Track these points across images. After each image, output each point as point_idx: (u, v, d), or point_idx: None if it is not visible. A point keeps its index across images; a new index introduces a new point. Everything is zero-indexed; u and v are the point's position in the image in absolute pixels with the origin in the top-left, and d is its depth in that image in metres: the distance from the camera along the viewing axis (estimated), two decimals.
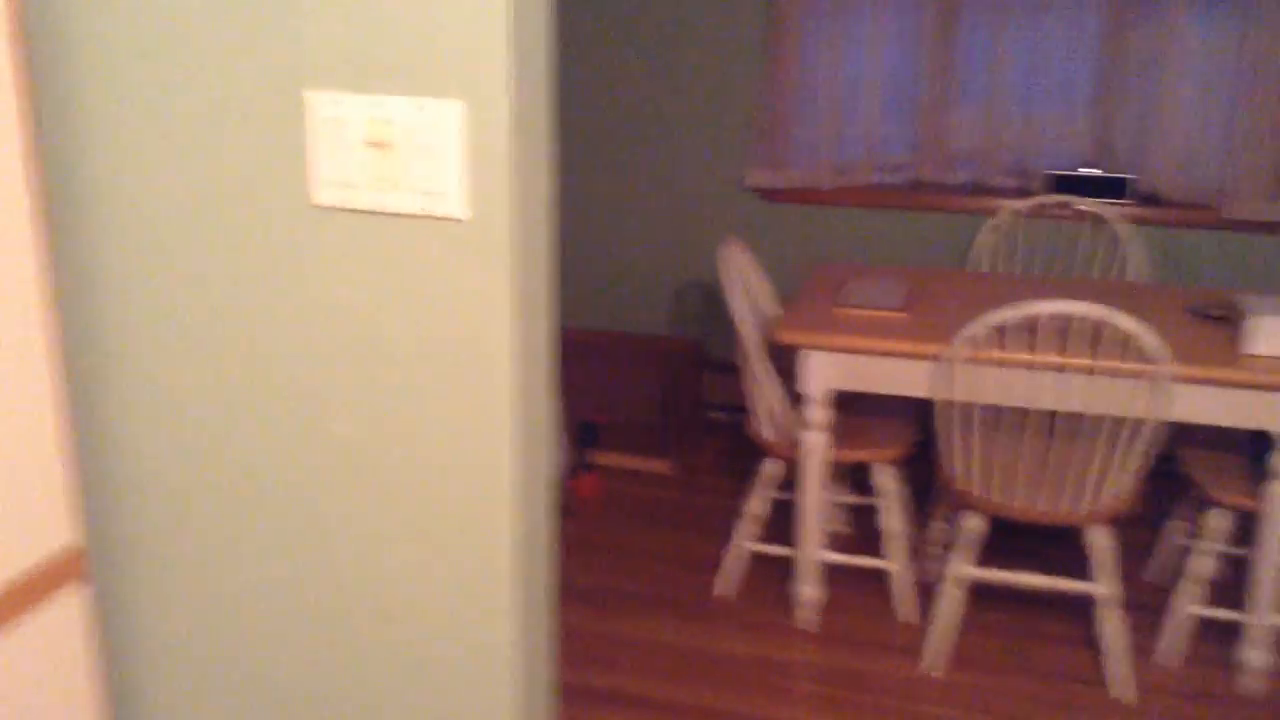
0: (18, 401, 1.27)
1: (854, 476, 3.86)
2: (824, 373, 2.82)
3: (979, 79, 3.95)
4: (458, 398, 1.28)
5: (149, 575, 1.46)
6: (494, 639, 1.36)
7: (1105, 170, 3.87)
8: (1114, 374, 2.60)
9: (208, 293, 1.33)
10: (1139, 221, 3.86)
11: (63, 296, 1.37)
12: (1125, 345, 2.62)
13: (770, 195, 4.20)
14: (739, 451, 4.22)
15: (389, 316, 1.28)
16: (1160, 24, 3.72)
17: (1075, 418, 2.98)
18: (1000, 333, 2.72)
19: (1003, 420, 3.00)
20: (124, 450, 1.41)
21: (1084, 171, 3.86)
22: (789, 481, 3.69)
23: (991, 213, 3.98)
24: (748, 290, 3.15)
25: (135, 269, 1.34)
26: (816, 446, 2.88)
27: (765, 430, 3.04)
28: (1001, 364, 2.66)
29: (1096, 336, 2.71)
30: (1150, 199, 3.86)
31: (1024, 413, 2.97)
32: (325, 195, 1.25)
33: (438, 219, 1.23)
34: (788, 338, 2.80)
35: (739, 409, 4.43)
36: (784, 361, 3.34)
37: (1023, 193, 3.97)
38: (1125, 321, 2.47)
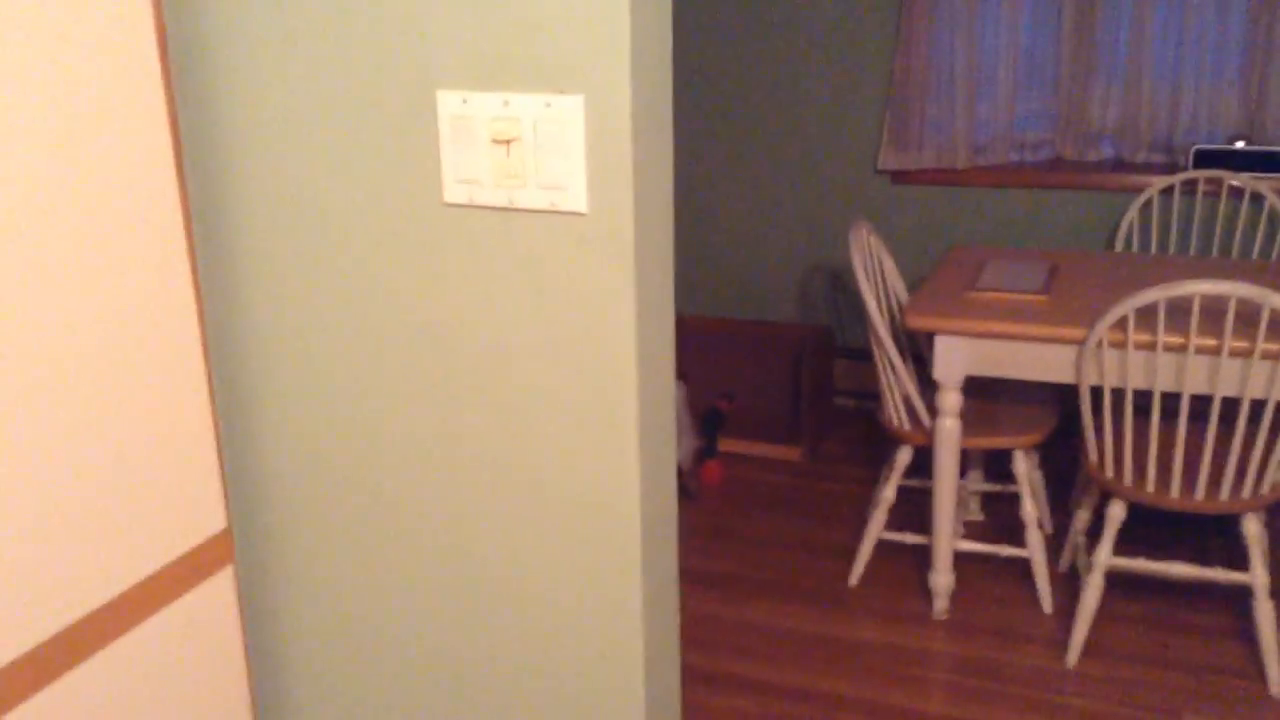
0: (177, 395, 1.34)
1: (992, 462, 3.78)
2: (958, 358, 2.76)
3: (1120, 52, 3.80)
4: (584, 389, 1.30)
5: (289, 560, 1.53)
6: (623, 624, 1.38)
7: (1257, 144, 3.69)
8: (1270, 357, 2.48)
9: (346, 290, 1.38)
10: None
11: (209, 294, 1.44)
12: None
13: (903, 177, 4.12)
14: (869, 438, 4.17)
15: (516, 310, 1.30)
16: None
17: (1229, 402, 2.86)
18: (1149, 315, 2.62)
19: (1152, 406, 2.90)
20: (266, 439, 1.48)
21: (1235, 146, 3.68)
22: (921, 468, 3.63)
23: (1137, 190, 3.83)
24: (879, 274, 3.10)
25: (275, 268, 1.40)
26: (950, 433, 2.82)
27: (896, 417, 3.00)
28: (1149, 348, 2.56)
29: (1251, 317, 2.59)
30: None
31: (1175, 398, 2.86)
32: (455, 193, 1.27)
33: (562, 214, 1.24)
34: (919, 323, 2.75)
35: (869, 395, 4.37)
36: (918, 347, 3.28)
37: (1170, 169, 3.81)
38: None
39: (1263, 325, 2.40)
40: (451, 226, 1.30)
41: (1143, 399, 3.07)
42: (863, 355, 4.34)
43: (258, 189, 1.37)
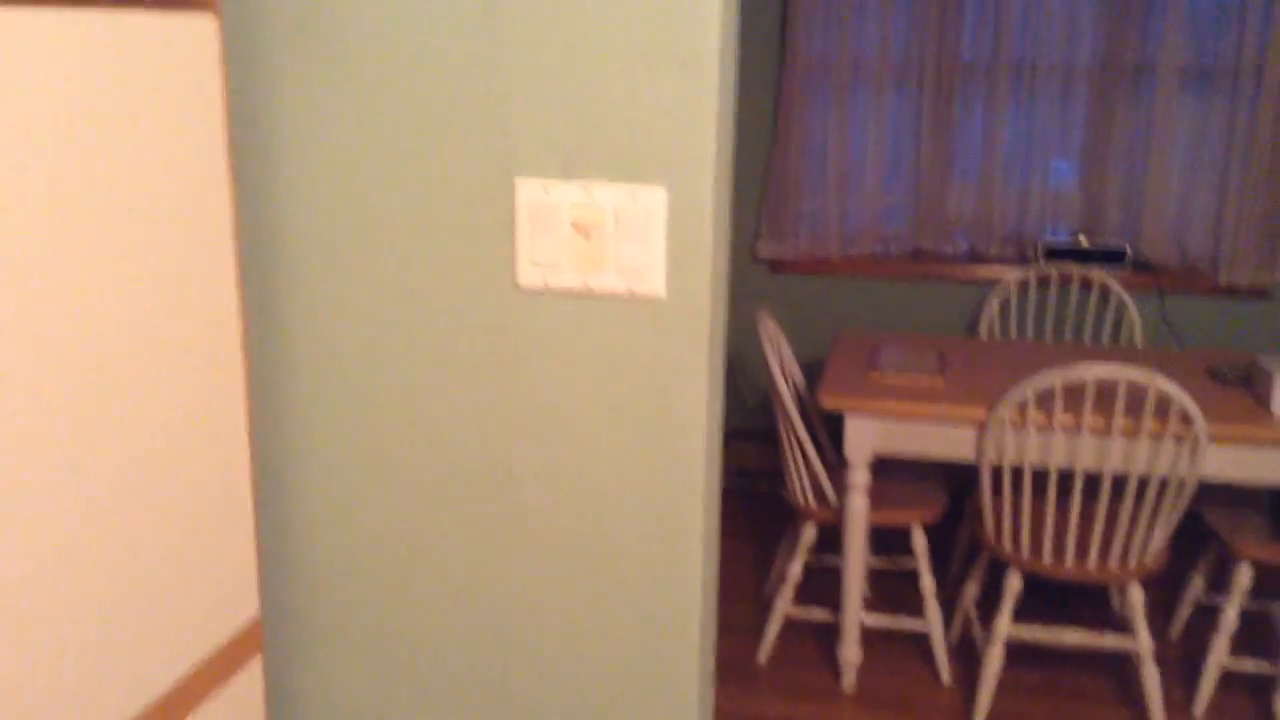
0: (220, 478, 1.29)
1: (876, 539, 3.92)
2: (868, 437, 2.89)
3: (974, 153, 4.11)
4: (652, 468, 1.32)
5: (321, 644, 1.47)
6: (680, 707, 1.39)
7: (1098, 240, 4.04)
8: (1155, 436, 2.71)
9: (412, 369, 1.36)
10: (1134, 288, 4.02)
11: (263, 374, 1.40)
12: (1164, 408, 2.73)
13: (779, 265, 4.30)
14: (763, 516, 4.27)
15: (589, 390, 1.32)
16: (1146, 99, 3.91)
17: (1114, 478, 3.08)
18: (1046, 397, 2.82)
19: (1045, 482, 3.10)
20: (312, 521, 1.43)
21: (1079, 240, 4.02)
22: (820, 545, 3.74)
23: (991, 281, 4.12)
24: (780, 358, 3.23)
25: (343, 347, 1.37)
26: (860, 510, 2.94)
27: (802, 496, 3.10)
28: (1046, 427, 2.75)
29: (1135, 400, 2.82)
30: (1144, 267, 4.02)
31: (1066, 474, 3.06)
32: (531, 277, 1.29)
33: (640, 298, 1.28)
34: (833, 403, 2.87)
35: (761, 474, 4.48)
36: (812, 427, 3.41)
37: (1020, 260, 4.12)
38: (1167, 385, 2.58)
39: (1149, 406, 2.63)
40: (525, 309, 1.31)
41: (1042, 475, 3.27)
42: (753, 435, 4.45)
43: (324, 267, 1.35)
